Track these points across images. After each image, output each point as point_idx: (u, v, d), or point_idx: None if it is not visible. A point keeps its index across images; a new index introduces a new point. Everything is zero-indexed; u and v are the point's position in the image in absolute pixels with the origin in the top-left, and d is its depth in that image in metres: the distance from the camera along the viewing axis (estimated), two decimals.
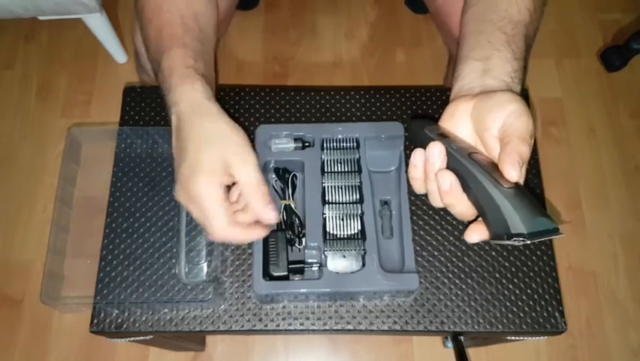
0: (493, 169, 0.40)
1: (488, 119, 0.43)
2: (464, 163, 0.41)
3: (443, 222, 0.62)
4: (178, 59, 0.51)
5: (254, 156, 0.48)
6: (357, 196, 0.59)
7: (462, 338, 0.64)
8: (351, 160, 0.60)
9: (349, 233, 0.58)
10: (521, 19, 0.52)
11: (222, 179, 0.46)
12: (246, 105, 0.68)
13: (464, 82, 0.49)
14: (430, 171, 0.43)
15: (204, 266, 0.60)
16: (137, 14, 0.59)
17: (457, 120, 0.46)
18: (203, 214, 0.46)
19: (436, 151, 0.43)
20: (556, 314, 0.58)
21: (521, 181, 0.41)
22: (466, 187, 0.41)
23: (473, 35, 0.53)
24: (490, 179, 0.39)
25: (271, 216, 0.48)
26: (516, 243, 0.37)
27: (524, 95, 0.68)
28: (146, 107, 0.68)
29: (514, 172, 0.39)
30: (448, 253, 0.61)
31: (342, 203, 0.59)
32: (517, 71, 0.49)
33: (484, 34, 0.51)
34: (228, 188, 0.49)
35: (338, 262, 0.56)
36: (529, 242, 0.37)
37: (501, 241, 0.39)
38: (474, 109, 0.45)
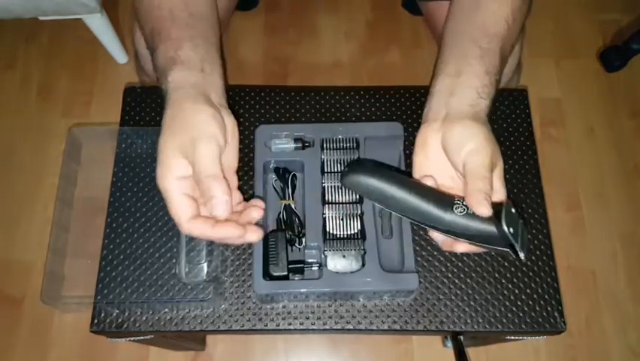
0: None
1: (453, 158, 0.48)
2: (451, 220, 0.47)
3: None
4: (163, 55, 0.51)
5: (217, 138, 0.45)
6: (357, 196, 0.59)
7: (461, 337, 0.64)
8: (351, 160, 0.61)
9: (349, 233, 0.58)
10: (497, 31, 0.53)
11: (182, 169, 0.44)
12: (246, 105, 0.68)
13: (432, 103, 0.51)
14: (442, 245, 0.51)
15: (204, 266, 0.60)
16: (137, 18, 0.60)
17: (430, 150, 0.50)
18: (168, 207, 0.45)
19: (437, 236, 0.51)
20: (556, 314, 0.58)
21: (502, 195, 0.47)
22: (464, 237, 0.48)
23: (448, 48, 0.54)
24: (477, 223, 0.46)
25: (220, 208, 0.42)
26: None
27: (524, 95, 0.68)
28: (147, 107, 0.68)
29: (483, 209, 0.44)
30: (447, 253, 0.61)
31: (342, 203, 0.59)
32: (487, 85, 0.51)
33: (458, 48, 0.53)
34: None
35: (338, 262, 0.56)
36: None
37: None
38: (442, 141, 0.49)
